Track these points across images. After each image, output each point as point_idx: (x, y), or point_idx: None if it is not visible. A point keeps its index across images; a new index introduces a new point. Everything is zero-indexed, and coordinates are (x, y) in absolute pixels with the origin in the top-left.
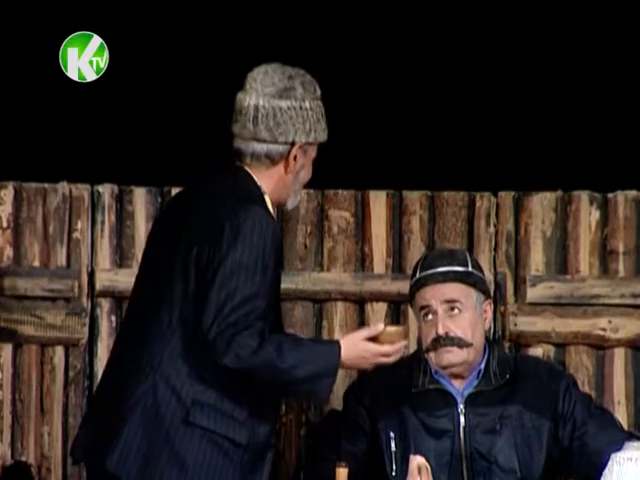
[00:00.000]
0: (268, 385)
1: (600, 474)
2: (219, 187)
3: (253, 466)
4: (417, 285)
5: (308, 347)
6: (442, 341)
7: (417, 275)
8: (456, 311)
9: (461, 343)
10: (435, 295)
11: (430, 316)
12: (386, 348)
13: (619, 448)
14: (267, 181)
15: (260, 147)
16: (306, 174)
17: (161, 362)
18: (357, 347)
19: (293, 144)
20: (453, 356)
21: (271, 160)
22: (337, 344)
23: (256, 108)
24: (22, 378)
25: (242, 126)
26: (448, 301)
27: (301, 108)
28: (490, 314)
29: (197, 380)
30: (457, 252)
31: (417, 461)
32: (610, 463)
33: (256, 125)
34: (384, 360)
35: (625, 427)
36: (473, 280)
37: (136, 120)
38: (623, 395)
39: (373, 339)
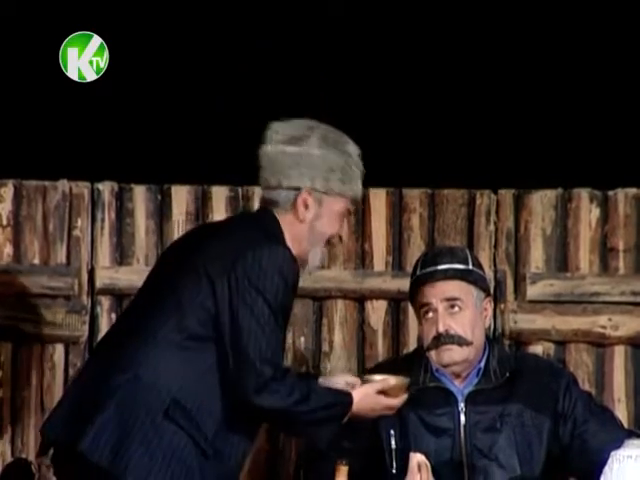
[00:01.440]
0: (281, 425)
1: (600, 472)
2: (246, 222)
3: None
4: (417, 283)
5: (328, 396)
6: (442, 339)
7: (417, 273)
8: (456, 309)
9: (461, 341)
10: (436, 293)
11: (430, 314)
12: (394, 402)
13: (619, 446)
14: (286, 228)
15: (269, 194)
16: (325, 227)
17: (149, 357)
18: (369, 400)
19: (299, 189)
20: (454, 354)
21: (282, 207)
22: (350, 397)
23: (264, 155)
24: (22, 376)
25: (261, 175)
26: (449, 299)
27: (308, 154)
28: (490, 312)
29: (181, 383)
30: (457, 250)
31: (417, 458)
32: (610, 461)
33: (264, 171)
34: (389, 412)
35: (625, 424)
36: (474, 278)
37: (136, 118)
38: (623, 392)
39: (382, 392)
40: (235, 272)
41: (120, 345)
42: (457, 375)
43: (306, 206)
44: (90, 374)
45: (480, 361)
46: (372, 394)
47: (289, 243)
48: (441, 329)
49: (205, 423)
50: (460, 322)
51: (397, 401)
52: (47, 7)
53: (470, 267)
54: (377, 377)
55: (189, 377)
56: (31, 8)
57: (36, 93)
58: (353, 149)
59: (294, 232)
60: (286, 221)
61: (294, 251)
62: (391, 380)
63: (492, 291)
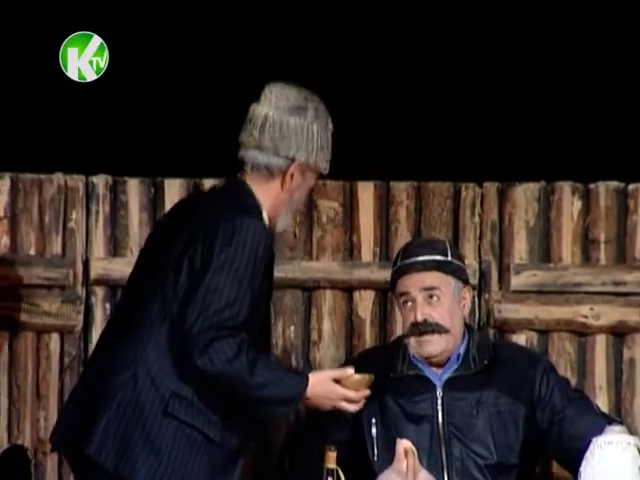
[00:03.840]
0: (232, 394)
1: (580, 457)
2: (219, 197)
3: (224, 466)
4: (398, 273)
5: (279, 372)
6: (421, 327)
7: (398, 263)
8: (435, 298)
9: (439, 329)
10: (415, 283)
11: (409, 303)
12: (351, 394)
13: (597, 432)
14: (264, 196)
15: (261, 157)
16: (300, 198)
17: (144, 353)
18: (324, 386)
19: (293, 160)
20: (433, 347)
21: (270, 172)
22: (306, 378)
23: (265, 117)
24: (19, 364)
25: (249, 134)
26: (427, 289)
27: (308, 129)
28: (469, 301)
29: (177, 373)
30: (437, 241)
31: (404, 445)
32: (592, 446)
33: (262, 134)
34: (345, 405)
35: (606, 410)
36: (452, 269)
37: (131, 114)
38: (604, 380)
39: (339, 381)
40: (211, 248)
41: (116, 343)
42: (436, 363)
43: (292, 177)
44: (91, 375)
45: (459, 348)
46: (328, 380)
47: (266, 208)
48: (419, 318)
49: (208, 408)
50: (438, 311)
51: (355, 395)
52: (47, 7)
53: (449, 258)
54: (350, 370)
55: (184, 366)
56: (31, 8)
57: (34, 90)
58: (331, 125)
59: (273, 199)
60: (268, 187)
61: (269, 215)
62: (349, 370)
63: (477, 281)
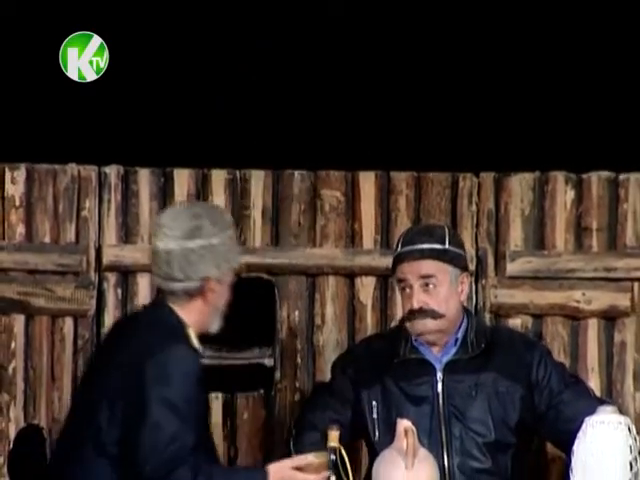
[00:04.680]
0: None
1: (574, 438)
2: (147, 326)
3: None
4: (397, 260)
5: (238, 476)
6: (417, 314)
7: (397, 250)
8: (431, 286)
9: (435, 315)
10: (412, 271)
11: (407, 290)
12: (312, 477)
13: (592, 414)
14: (188, 315)
15: (176, 286)
16: (224, 299)
17: None
18: (284, 473)
19: (207, 279)
20: (427, 324)
21: (189, 295)
22: (265, 471)
23: (167, 253)
24: (34, 347)
25: (159, 268)
26: (424, 276)
27: (211, 245)
28: (466, 287)
29: None
30: (436, 229)
31: (404, 425)
32: (584, 426)
33: (170, 267)
34: None
35: (598, 392)
36: (449, 257)
37: (140, 107)
38: (596, 363)
39: (300, 468)
40: (143, 386)
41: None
42: (434, 344)
43: (212, 290)
44: None
45: (457, 332)
46: (287, 469)
47: (192, 325)
48: (415, 305)
49: None
50: (435, 298)
51: (315, 477)
52: (47, 7)
53: (446, 246)
54: (310, 456)
55: None
56: (31, 8)
57: (44, 83)
58: (229, 217)
59: (199, 315)
60: (190, 308)
61: (197, 329)
62: (309, 457)
63: (474, 268)
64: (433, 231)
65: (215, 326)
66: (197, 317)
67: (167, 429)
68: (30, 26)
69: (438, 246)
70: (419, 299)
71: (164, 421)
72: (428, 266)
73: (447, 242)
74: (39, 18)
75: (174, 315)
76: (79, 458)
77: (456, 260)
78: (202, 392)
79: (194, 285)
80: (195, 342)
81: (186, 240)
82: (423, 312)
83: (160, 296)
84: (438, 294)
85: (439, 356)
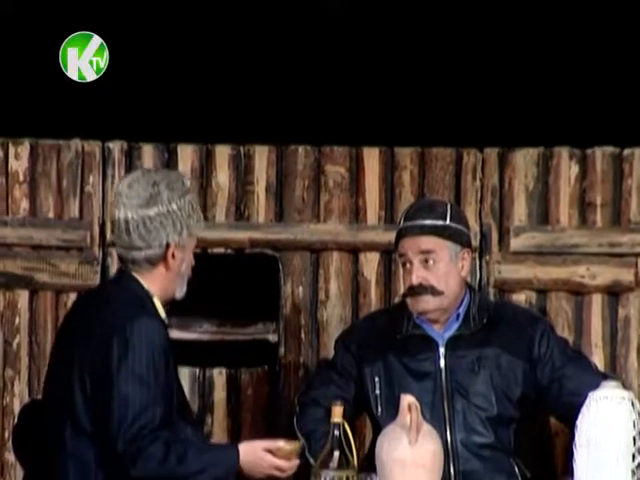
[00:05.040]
0: None
1: (578, 412)
2: (110, 298)
3: None
4: (398, 235)
5: (211, 453)
6: (416, 289)
7: (400, 225)
8: (431, 262)
9: (434, 291)
10: (412, 246)
11: (407, 265)
12: (282, 463)
13: (596, 388)
14: (152, 283)
15: (138, 254)
16: (188, 265)
17: (66, 467)
18: (255, 454)
19: (168, 245)
20: (426, 304)
21: (151, 263)
22: (236, 448)
23: (126, 221)
24: (38, 322)
25: (118, 237)
26: (423, 252)
27: (169, 212)
28: (467, 263)
29: (103, 478)
30: (438, 205)
31: (407, 400)
32: (588, 401)
33: (129, 236)
34: (277, 473)
35: (602, 367)
36: (449, 233)
37: (145, 82)
38: (600, 338)
39: (270, 451)
40: (109, 360)
41: (41, 466)
42: (435, 321)
43: (173, 257)
44: None
45: (458, 308)
46: (259, 450)
47: (157, 294)
48: (414, 281)
49: None
50: (434, 274)
51: (286, 464)
52: (47, 7)
53: (447, 223)
54: (281, 442)
55: (110, 474)
56: (31, 8)
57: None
58: (188, 182)
59: (163, 282)
60: (154, 276)
61: (162, 297)
62: (280, 442)
63: (477, 243)
64: (434, 207)
65: (180, 293)
66: (161, 285)
67: (134, 402)
68: (30, 26)
69: (438, 222)
70: (418, 275)
71: (131, 394)
72: (427, 242)
73: (448, 218)
74: (39, 18)
75: (138, 285)
76: (60, 440)
77: (456, 236)
78: (169, 363)
79: (155, 253)
80: (161, 312)
81: (144, 208)
82: (422, 288)
83: (123, 267)
84: (437, 270)
85: (441, 332)
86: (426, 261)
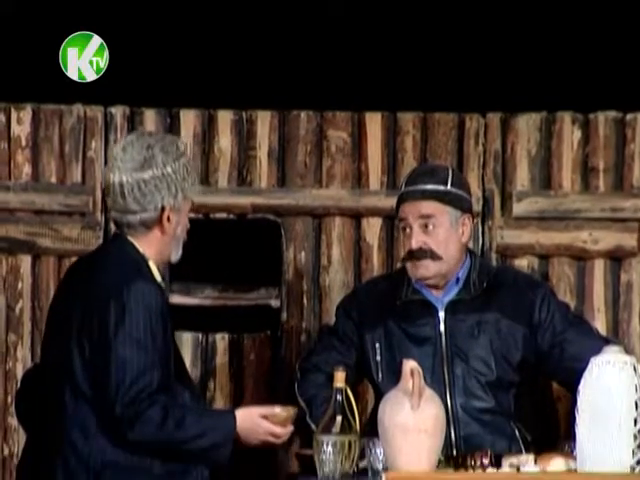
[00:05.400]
0: (173, 453)
1: (580, 377)
2: (105, 263)
3: None
4: (399, 200)
5: (209, 418)
6: (415, 254)
7: (401, 190)
8: (430, 227)
9: (433, 256)
10: (412, 211)
11: (407, 230)
12: (278, 429)
13: (597, 353)
14: (148, 246)
15: (133, 217)
16: (183, 228)
17: (68, 438)
18: (252, 420)
19: (163, 209)
20: (425, 270)
21: (146, 227)
22: (233, 414)
23: (121, 184)
24: (40, 287)
25: (113, 201)
26: (423, 217)
27: (163, 175)
28: (468, 229)
29: (105, 447)
30: (439, 170)
31: (410, 365)
32: (590, 366)
33: (124, 199)
34: (272, 440)
35: (604, 332)
36: (449, 198)
37: (147, 47)
38: (602, 303)
39: (265, 417)
40: (106, 324)
41: (44, 420)
42: (435, 287)
43: (168, 220)
44: (29, 459)
45: (458, 273)
46: (255, 416)
47: (152, 257)
48: (414, 245)
49: (144, 463)
50: (434, 239)
51: (281, 430)
52: (47, 7)
53: (448, 188)
54: (277, 409)
55: (111, 439)
56: (31, 8)
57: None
58: (183, 146)
59: (158, 246)
60: (149, 239)
61: (158, 260)
62: (276, 409)
63: (480, 208)
64: (436, 172)
65: (175, 256)
66: (157, 248)
67: (132, 365)
68: (30, 26)
69: (439, 187)
70: (418, 239)
71: (129, 357)
72: (428, 206)
73: (449, 183)
74: (39, 18)
75: (134, 249)
76: (60, 404)
77: (457, 202)
78: (167, 327)
79: (150, 216)
80: (157, 276)
81: (139, 171)
82: (422, 252)
83: (118, 231)
84: (437, 235)
85: (440, 296)
86: (426, 226)
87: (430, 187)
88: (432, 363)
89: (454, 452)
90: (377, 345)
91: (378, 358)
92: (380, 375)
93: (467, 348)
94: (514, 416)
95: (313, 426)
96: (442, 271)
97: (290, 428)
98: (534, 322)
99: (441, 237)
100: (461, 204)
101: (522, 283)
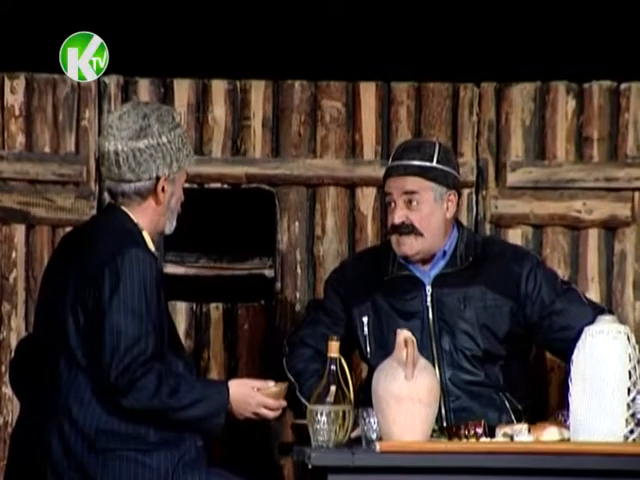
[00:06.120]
0: (167, 421)
1: (572, 346)
2: (99, 232)
3: (185, 469)
4: (385, 175)
5: (202, 388)
6: (398, 229)
7: (388, 164)
8: (414, 203)
9: (415, 231)
10: (396, 186)
11: (392, 205)
12: (270, 401)
13: (586, 320)
14: (142, 217)
15: (128, 187)
16: (177, 199)
17: (63, 405)
18: (245, 391)
19: (158, 179)
20: (409, 248)
21: (141, 196)
22: (226, 384)
23: (116, 153)
24: (34, 257)
25: (108, 170)
26: (407, 192)
27: (159, 144)
28: (453, 205)
29: (99, 414)
30: (426, 145)
31: (404, 335)
32: (584, 335)
33: (119, 168)
34: (264, 412)
35: (598, 300)
36: (433, 175)
37: (140, 16)
38: (596, 272)
39: (259, 391)
40: (101, 292)
41: (34, 395)
42: (421, 261)
43: (163, 190)
44: (26, 428)
45: (444, 247)
46: (248, 387)
47: (146, 227)
48: (397, 220)
49: (139, 430)
50: (416, 214)
51: (273, 403)
52: (47, 7)
53: (433, 164)
54: (270, 383)
55: (106, 406)
56: (31, 8)
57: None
58: (178, 117)
59: (152, 216)
60: (143, 209)
61: (151, 231)
62: (270, 383)
63: (474, 178)
64: (422, 147)
65: (169, 228)
66: (151, 218)
67: (126, 333)
68: (30, 26)
69: (424, 163)
70: (400, 214)
71: (123, 325)
72: (412, 182)
73: (435, 159)
74: (39, 18)
75: (128, 219)
76: (55, 374)
77: (442, 178)
78: (161, 296)
79: (145, 185)
80: (151, 246)
81: (134, 140)
82: (405, 227)
83: (112, 201)
84: (420, 211)
85: (427, 270)
86: (410, 202)
87: (415, 163)
88: (420, 337)
89: (444, 424)
90: (365, 320)
91: (366, 333)
92: (369, 349)
93: (453, 322)
94: (503, 387)
95: (304, 400)
96: (425, 248)
97: (283, 402)
98: (521, 295)
99: (424, 213)
100: (446, 180)
101: (509, 255)
